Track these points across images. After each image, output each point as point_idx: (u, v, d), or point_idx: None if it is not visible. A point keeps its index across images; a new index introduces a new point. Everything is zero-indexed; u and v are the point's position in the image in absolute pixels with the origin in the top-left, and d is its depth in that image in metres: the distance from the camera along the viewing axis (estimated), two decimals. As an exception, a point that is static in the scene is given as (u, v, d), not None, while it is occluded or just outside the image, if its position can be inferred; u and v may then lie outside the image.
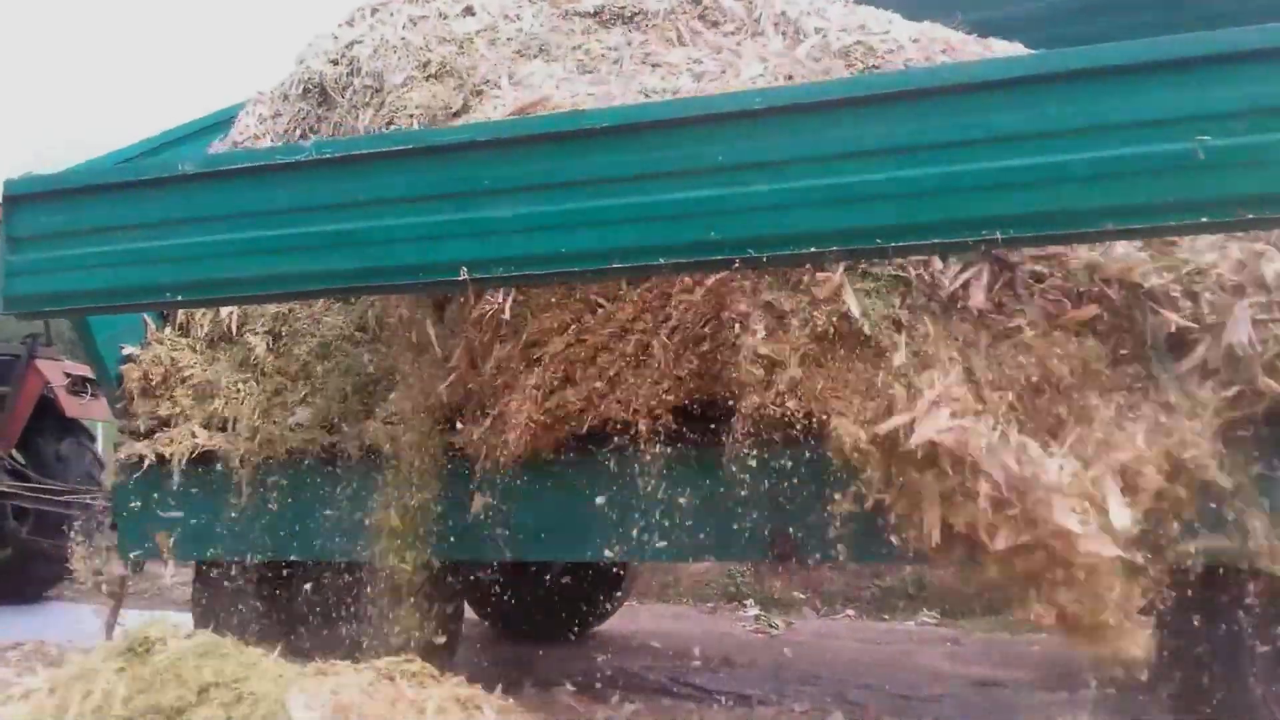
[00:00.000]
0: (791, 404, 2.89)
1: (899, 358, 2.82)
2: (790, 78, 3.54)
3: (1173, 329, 2.82)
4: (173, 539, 4.05)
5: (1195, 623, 3.02)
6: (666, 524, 3.29)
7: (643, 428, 3.21)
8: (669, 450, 3.24)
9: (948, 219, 2.53)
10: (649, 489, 3.25)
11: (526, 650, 5.60)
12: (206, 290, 3.27)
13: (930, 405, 2.70)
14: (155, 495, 4.06)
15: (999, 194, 2.48)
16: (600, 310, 3.30)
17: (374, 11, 4.43)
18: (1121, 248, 2.95)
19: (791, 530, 3.17)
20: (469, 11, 4.30)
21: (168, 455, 4.01)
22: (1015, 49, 3.78)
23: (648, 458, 3.24)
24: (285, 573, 4.11)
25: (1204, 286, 2.85)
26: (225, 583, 4.15)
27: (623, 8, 4.18)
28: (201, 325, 4.35)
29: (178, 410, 4.12)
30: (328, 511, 3.82)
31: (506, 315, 3.33)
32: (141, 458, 4.06)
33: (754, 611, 7.18)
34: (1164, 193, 2.38)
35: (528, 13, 4.27)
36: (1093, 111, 2.41)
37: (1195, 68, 2.38)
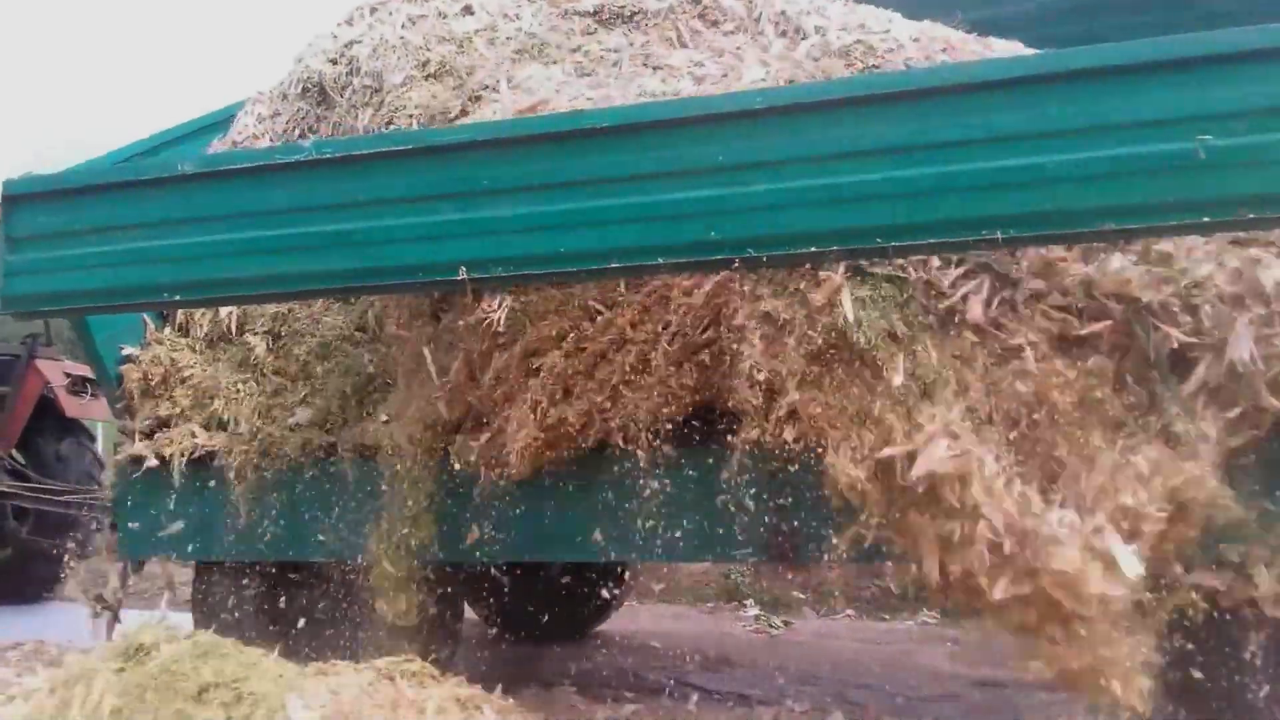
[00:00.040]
0: (789, 435, 2.87)
1: (897, 379, 2.76)
2: (792, 81, 3.53)
3: (1174, 344, 2.76)
4: (172, 539, 4.05)
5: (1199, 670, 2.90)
6: (666, 525, 3.29)
7: (643, 440, 3.18)
8: (669, 453, 3.23)
9: (948, 219, 2.52)
10: (648, 491, 3.25)
11: (526, 650, 5.60)
12: (206, 290, 3.27)
13: (929, 439, 2.65)
14: (155, 495, 4.05)
15: (999, 194, 2.48)
16: (600, 317, 3.26)
17: (373, 11, 4.43)
18: (1117, 262, 2.90)
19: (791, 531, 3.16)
20: (468, 11, 4.29)
21: (167, 455, 4.01)
22: (1015, 48, 3.77)
23: (645, 465, 3.22)
24: (285, 573, 4.10)
25: (1203, 299, 2.79)
26: (225, 582, 4.15)
27: (622, 7, 4.17)
28: (201, 325, 4.36)
29: (177, 410, 4.12)
30: (327, 512, 3.81)
31: (501, 327, 3.32)
32: (141, 458, 4.07)
33: (754, 611, 7.17)
34: (1164, 193, 2.38)
35: (527, 12, 4.26)
36: (1093, 111, 2.41)
37: (1196, 68, 2.38)
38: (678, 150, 2.70)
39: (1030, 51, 3.56)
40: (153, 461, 4.03)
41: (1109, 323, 2.82)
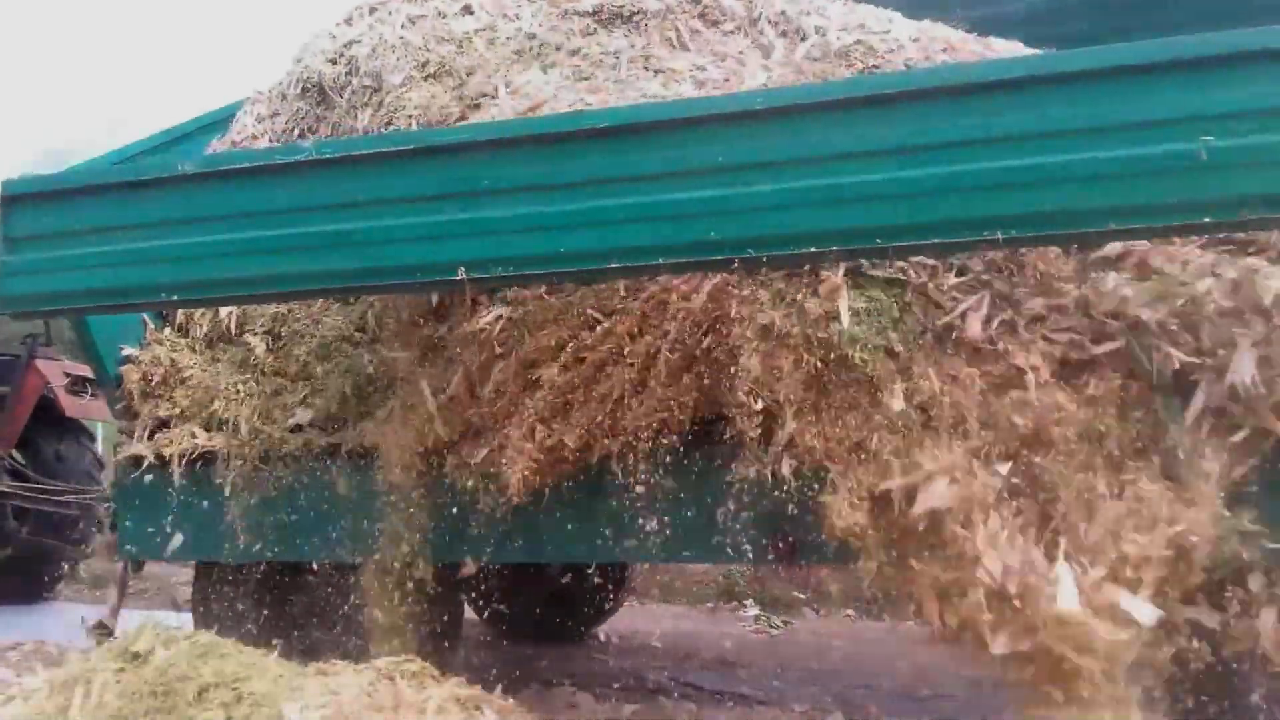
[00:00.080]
0: (786, 469, 2.87)
1: (896, 404, 2.72)
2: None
3: (1176, 365, 2.69)
4: (173, 539, 4.05)
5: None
6: (665, 526, 3.28)
7: (643, 451, 3.17)
8: (668, 460, 3.22)
9: (949, 219, 2.51)
10: (647, 494, 3.25)
11: (526, 650, 5.60)
12: (205, 290, 3.26)
13: (929, 477, 2.60)
14: (155, 496, 4.05)
15: (1000, 194, 2.47)
16: (599, 326, 3.23)
17: (372, 10, 4.43)
18: (1112, 280, 2.85)
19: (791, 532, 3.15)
20: (467, 10, 4.29)
21: (167, 456, 4.00)
22: (1015, 47, 3.77)
23: (643, 472, 3.22)
24: (285, 574, 4.10)
25: (1202, 316, 2.72)
26: (225, 583, 4.15)
27: (621, 7, 4.16)
28: (201, 326, 4.35)
29: (177, 411, 4.11)
30: (327, 512, 3.81)
31: (497, 339, 3.30)
32: (141, 458, 4.06)
33: (754, 611, 7.18)
34: (1167, 193, 2.37)
35: (526, 12, 4.26)
36: (1094, 112, 2.40)
37: (1198, 68, 2.37)
38: (678, 150, 2.69)
39: (1031, 51, 3.56)
40: (153, 461, 4.03)
41: (1111, 346, 2.75)
